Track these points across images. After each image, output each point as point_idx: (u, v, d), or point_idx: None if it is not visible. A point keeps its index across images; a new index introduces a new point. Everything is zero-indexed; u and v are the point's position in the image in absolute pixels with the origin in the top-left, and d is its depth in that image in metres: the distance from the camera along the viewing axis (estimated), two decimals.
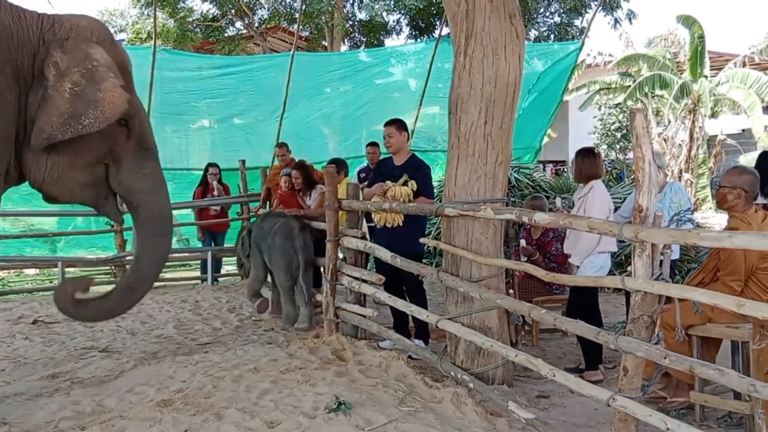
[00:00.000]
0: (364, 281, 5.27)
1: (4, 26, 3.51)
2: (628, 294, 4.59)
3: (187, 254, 10.16)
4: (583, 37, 11.64)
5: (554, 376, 3.34)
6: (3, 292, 9.00)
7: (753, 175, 3.93)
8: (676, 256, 5.27)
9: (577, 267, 4.83)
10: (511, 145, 4.53)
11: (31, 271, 10.84)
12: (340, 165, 6.74)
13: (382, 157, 7.42)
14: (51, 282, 9.49)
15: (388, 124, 5.58)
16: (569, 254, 5.16)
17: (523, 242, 5.88)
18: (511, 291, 5.35)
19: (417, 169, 5.37)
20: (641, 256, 2.87)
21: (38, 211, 9.79)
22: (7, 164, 3.60)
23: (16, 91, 3.55)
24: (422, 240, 5.04)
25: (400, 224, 5.22)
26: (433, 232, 8.71)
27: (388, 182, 5.27)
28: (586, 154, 5.05)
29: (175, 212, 10.74)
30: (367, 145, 7.82)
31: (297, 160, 7.85)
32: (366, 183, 6.10)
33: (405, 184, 5.24)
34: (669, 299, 3.04)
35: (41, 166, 3.77)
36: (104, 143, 3.91)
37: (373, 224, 6.55)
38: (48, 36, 3.67)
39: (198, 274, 9.72)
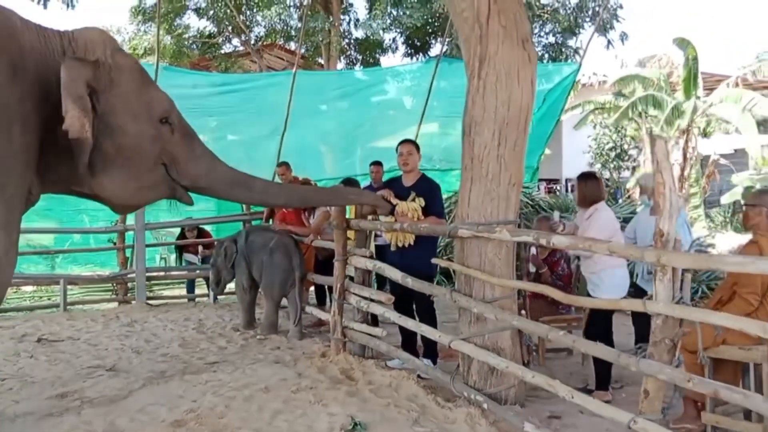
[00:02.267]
0: (373, 300, 5.28)
1: (33, 48, 3.53)
2: (634, 313, 4.63)
3: (185, 273, 10.10)
4: (581, 59, 11.75)
5: (573, 397, 3.36)
6: (4, 309, 8.89)
7: None
8: None
9: (594, 284, 4.84)
10: (524, 167, 4.58)
11: (29, 288, 10.73)
12: (351, 185, 6.66)
13: (385, 177, 7.47)
14: (50, 299, 9.41)
15: (405, 142, 5.56)
16: (573, 273, 5.15)
17: (533, 250, 5.90)
18: (522, 312, 5.36)
19: (428, 190, 5.34)
20: (662, 280, 2.91)
21: (36, 228, 9.74)
22: (30, 184, 3.60)
23: (45, 112, 3.55)
24: (434, 260, 5.04)
25: (411, 243, 5.24)
26: (441, 253, 8.69)
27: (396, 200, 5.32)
28: (589, 177, 5.11)
29: (175, 230, 10.81)
30: (371, 164, 7.78)
31: (300, 178, 7.85)
32: None
33: (413, 201, 5.29)
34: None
35: (104, 186, 3.84)
36: (156, 146, 3.98)
37: (379, 243, 6.57)
38: (69, 53, 3.70)
39: (199, 291, 9.68)
